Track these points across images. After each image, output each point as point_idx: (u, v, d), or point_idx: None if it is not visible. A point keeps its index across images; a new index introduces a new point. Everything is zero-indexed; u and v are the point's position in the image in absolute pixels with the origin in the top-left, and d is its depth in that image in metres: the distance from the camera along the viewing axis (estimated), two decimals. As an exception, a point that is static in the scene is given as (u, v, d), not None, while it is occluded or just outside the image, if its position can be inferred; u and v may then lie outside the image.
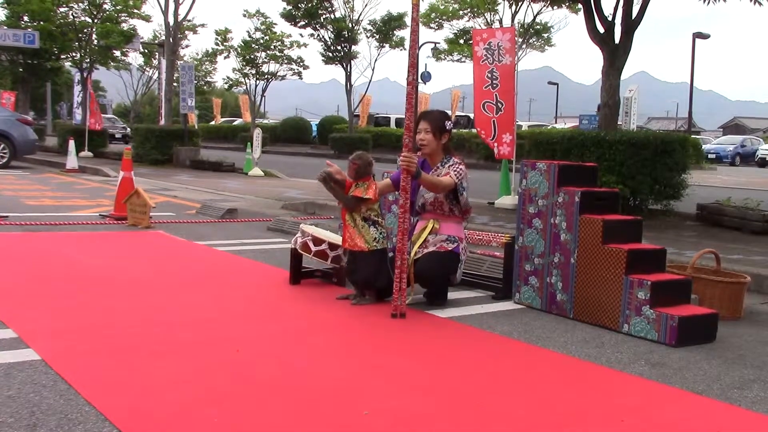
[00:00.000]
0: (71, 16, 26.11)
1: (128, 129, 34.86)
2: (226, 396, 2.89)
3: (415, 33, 4.40)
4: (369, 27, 30.05)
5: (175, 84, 20.43)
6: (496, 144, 10.06)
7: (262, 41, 31.99)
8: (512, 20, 25.76)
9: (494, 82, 9.97)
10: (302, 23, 29.63)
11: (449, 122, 4.83)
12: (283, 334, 3.88)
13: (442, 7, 29.32)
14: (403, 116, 4.41)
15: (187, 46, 40.17)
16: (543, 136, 10.00)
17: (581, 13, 9.94)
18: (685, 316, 4.01)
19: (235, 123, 43.91)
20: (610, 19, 9.66)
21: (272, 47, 32.09)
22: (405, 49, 30.93)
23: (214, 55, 37.04)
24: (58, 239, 6.74)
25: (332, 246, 4.97)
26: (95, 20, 25.80)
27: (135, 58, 40.62)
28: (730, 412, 3.04)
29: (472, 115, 35.21)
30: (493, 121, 10.02)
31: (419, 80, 30.74)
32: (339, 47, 29.49)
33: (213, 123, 46.09)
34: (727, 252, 6.37)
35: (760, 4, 9.34)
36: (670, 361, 3.71)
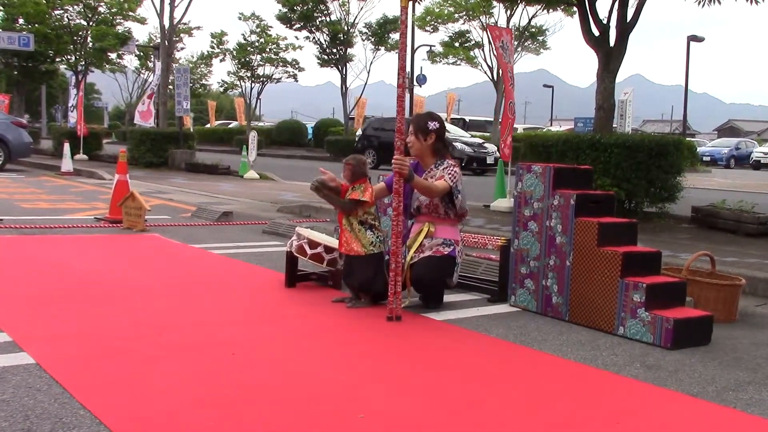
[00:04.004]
0: (66, 19, 26.11)
1: (496, 151, 23.01)
2: (221, 399, 2.88)
3: (404, 36, 4.41)
4: (364, 30, 30.10)
5: (170, 87, 20.41)
6: (502, 145, 10.06)
7: (257, 44, 32.02)
8: (507, 23, 25.86)
9: (512, 81, 9.94)
10: (298, 26, 29.68)
11: (433, 122, 4.75)
12: (279, 337, 3.88)
13: (437, 11, 29.38)
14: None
15: (182, 49, 40.13)
16: (538, 138, 10.00)
17: (576, 16, 9.96)
18: (680, 319, 4.02)
19: (230, 126, 43.87)
20: (605, 22, 9.68)
21: (267, 50, 32.11)
22: (400, 52, 30.91)
23: (209, 58, 37.05)
24: (53, 242, 6.72)
25: (328, 249, 4.97)
26: (90, 23, 25.80)
27: (130, 61, 40.65)
28: (725, 414, 3.05)
29: (468, 118, 35.30)
30: (510, 122, 10.03)
31: (415, 83, 30.76)
32: (334, 50, 29.54)
33: (208, 126, 46.05)
34: (722, 254, 6.38)
35: (756, 2, 9.36)
36: (666, 363, 3.72)
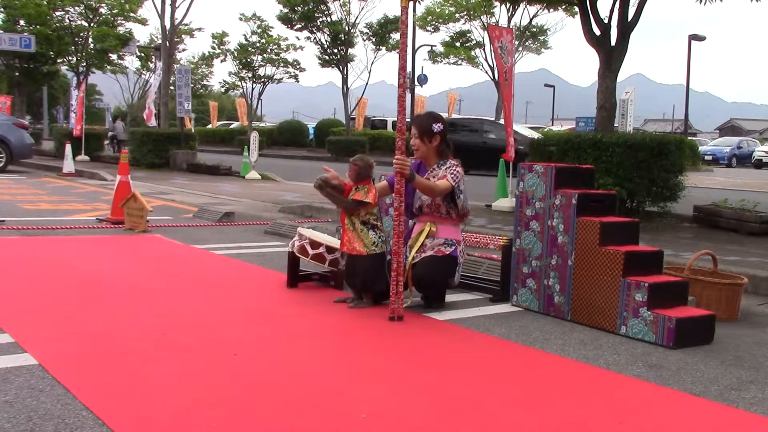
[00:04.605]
0: (67, 20, 26.14)
1: None
2: (223, 400, 2.88)
3: (404, 36, 4.40)
4: (365, 30, 30.08)
5: (171, 87, 20.41)
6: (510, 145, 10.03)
7: (258, 44, 32.01)
8: (508, 23, 25.85)
9: (506, 83, 9.94)
10: (298, 26, 29.65)
11: (437, 125, 4.72)
12: (281, 338, 3.88)
13: (438, 10, 29.38)
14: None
15: (183, 50, 40.14)
16: (540, 138, 10.00)
17: (577, 16, 9.96)
18: (683, 318, 4.02)
19: (231, 126, 43.91)
20: (606, 21, 9.68)
21: (268, 50, 32.11)
22: (401, 52, 30.84)
23: (210, 59, 37.06)
24: (55, 243, 6.72)
25: (329, 249, 4.97)
26: (91, 24, 25.82)
27: (131, 62, 40.63)
28: (727, 413, 3.05)
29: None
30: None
31: (416, 83, 30.74)
32: (335, 50, 29.52)
33: (210, 126, 46.07)
34: (724, 253, 6.37)
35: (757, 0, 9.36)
36: (668, 362, 3.71)
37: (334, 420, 2.75)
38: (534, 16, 28.13)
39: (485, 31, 27.82)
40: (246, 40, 32.38)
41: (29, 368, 3.17)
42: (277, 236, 7.74)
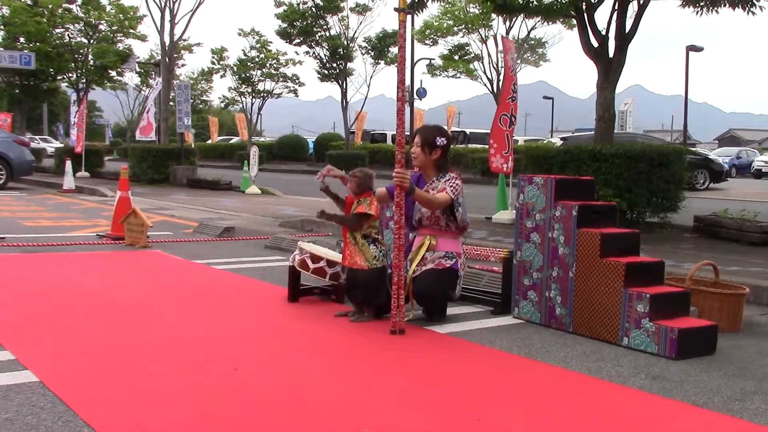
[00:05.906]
0: (67, 37, 26.22)
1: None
2: (225, 415, 2.87)
3: (402, 49, 4.42)
4: (364, 44, 30.17)
5: (171, 103, 20.47)
6: (510, 158, 9.98)
7: (257, 59, 32.09)
8: (507, 35, 25.92)
9: (514, 94, 9.93)
10: (297, 41, 29.76)
11: (441, 138, 4.73)
12: (282, 352, 3.87)
13: (436, 24, 29.48)
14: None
15: (183, 66, 40.21)
16: (539, 150, 10.01)
17: (575, 29, 9.99)
18: (685, 329, 4.01)
19: (231, 141, 43.97)
20: (603, 33, 9.71)
21: (268, 65, 32.19)
22: (400, 66, 30.88)
23: (209, 74, 37.12)
24: (56, 260, 6.72)
25: (330, 263, 4.97)
26: (91, 41, 25.91)
27: (131, 78, 40.75)
28: (731, 424, 3.03)
29: (468, 131, 35.39)
30: (507, 134, 9.95)
31: (415, 96, 30.81)
32: (334, 64, 29.62)
33: (210, 141, 46.14)
34: (725, 264, 6.36)
35: (753, 13, 9.40)
36: (671, 374, 3.70)
37: (336, 435, 2.73)
38: (532, 28, 28.23)
39: (483, 44, 27.92)
40: (245, 55, 32.44)
41: (30, 385, 3.16)
42: (277, 250, 7.74)
